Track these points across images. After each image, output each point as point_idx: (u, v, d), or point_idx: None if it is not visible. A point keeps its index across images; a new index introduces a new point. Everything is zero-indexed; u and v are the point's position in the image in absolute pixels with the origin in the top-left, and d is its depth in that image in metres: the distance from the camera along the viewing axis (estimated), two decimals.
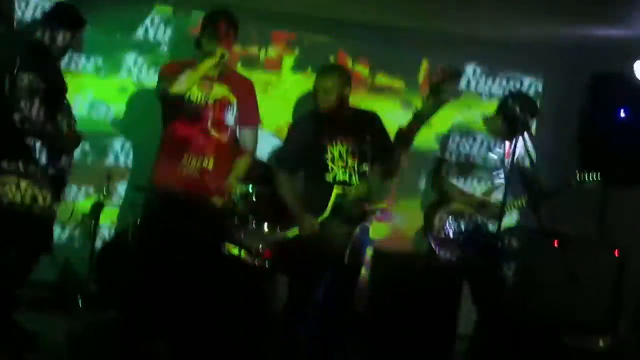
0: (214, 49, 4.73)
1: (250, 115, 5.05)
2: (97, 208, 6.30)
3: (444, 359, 5.84)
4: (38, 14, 6.49)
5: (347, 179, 4.99)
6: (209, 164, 4.90)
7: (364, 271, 5.38)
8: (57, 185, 5.17)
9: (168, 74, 4.84)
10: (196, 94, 4.88)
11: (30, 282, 5.48)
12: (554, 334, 5.73)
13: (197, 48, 4.90)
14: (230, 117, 4.97)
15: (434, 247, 5.70)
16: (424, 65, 7.22)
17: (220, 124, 4.94)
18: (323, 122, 5.03)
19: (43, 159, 5.08)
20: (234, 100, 4.96)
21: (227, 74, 5.00)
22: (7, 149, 5.10)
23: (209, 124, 4.91)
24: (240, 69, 6.60)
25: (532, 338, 5.73)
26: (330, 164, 5.00)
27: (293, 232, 5.11)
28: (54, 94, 5.08)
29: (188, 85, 4.73)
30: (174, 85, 4.67)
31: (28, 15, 6.68)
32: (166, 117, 4.95)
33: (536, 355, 5.71)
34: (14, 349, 5.02)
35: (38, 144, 5.09)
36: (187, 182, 4.83)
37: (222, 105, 4.94)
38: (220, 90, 4.94)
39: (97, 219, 6.30)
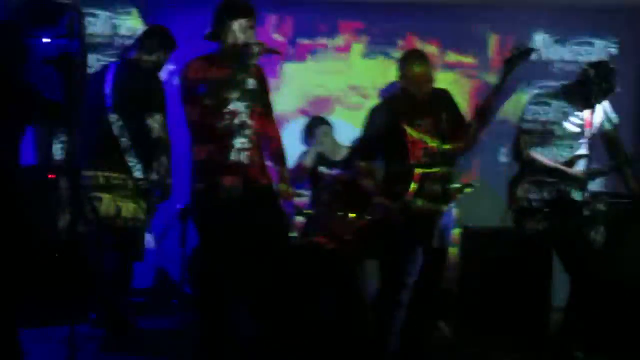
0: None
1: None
2: (186, 213, 6.40)
3: (539, 332, 5.89)
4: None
5: (428, 159, 4.98)
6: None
7: (452, 250, 5.42)
8: (149, 195, 5.43)
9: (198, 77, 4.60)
10: None
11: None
12: None
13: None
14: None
15: (520, 219, 5.63)
16: (493, 39, 7.21)
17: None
18: (402, 105, 5.03)
19: (139, 172, 5.39)
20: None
21: None
22: (105, 164, 5.43)
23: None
24: (309, 60, 6.67)
25: (625, 302, 5.72)
26: (411, 146, 4.99)
27: (375, 216, 5.18)
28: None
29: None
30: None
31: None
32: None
33: (631, 320, 5.68)
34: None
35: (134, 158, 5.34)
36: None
37: None
38: None
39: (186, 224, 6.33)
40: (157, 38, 5.65)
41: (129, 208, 5.44)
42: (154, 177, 5.43)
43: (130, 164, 5.44)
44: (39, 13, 6.64)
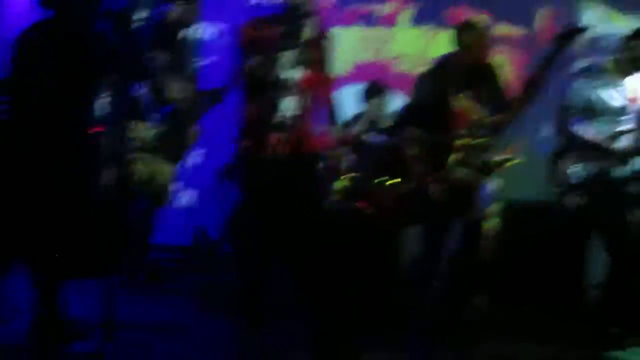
0: None
1: None
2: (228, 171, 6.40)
3: (575, 309, 5.84)
4: None
5: (473, 130, 4.99)
6: None
7: (491, 222, 5.39)
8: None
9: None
10: None
11: (168, 246, 5.81)
12: None
13: None
14: None
15: (561, 194, 5.61)
16: (544, 13, 7.13)
17: None
18: (450, 74, 5.05)
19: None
20: None
21: None
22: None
23: None
24: (355, 27, 6.66)
25: None
26: (456, 115, 5.00)
27: (415, 184, 5.18)
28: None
29: None
30: None
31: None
32: None
33: None
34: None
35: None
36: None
37: None
38: None
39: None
40: None
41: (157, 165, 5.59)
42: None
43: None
44: None
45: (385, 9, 7.23)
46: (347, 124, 6.38)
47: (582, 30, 4.93)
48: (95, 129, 5.87)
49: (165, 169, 5.69)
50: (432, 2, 7.12)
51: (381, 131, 6.37)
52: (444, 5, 7.01)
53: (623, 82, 5.40)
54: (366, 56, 7.17)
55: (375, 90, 6.45)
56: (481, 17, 5.19)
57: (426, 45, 6.99)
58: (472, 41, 5.00)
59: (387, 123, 6.45)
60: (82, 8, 4.67)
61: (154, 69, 5.40)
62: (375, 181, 5.93)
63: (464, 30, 5.06)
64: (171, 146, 5.65)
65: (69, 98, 4.53)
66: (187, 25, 5.60)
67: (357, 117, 6.45)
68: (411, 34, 7.27)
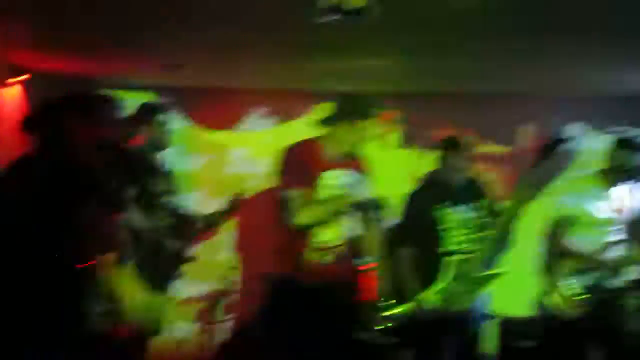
0: None
1: None
2: (217, 300, 6.59)
3: None
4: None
5: (463, 246, 5.04)
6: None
7: (486, 337, 5.42)
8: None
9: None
10: None
11: None
12: None
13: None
14: None
15: (558, 307, 5.51)
16: (529, 130, 7.25)
17: None
18: (436, 192, 5.12)
19: None
20: None
21: None
22: None
23: None
24: None
25: None
26: (446, 233, 5.06)
27: (408, 306, 5.12)
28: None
29: None
30: None
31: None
32: None
33: None
34: None
35: None
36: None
37: None
38: None
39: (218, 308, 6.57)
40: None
41: None
42: None
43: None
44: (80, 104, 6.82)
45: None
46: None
47: (565, 140, 5.07)
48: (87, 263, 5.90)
49: (155, 300, 5.62)
50: (417, 124, 7.15)
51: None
52: (430, 127, 7.05)
53: (608, 193, 5.43)
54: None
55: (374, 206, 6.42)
56: (463, 136, 5.21)
57: (414, 165, 7.03)
58: (451, 158, 5.09)
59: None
60: (68, 135, 4.74)
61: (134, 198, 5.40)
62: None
63: (447, 148, 5.14)
64: (155, 276, 5.59)
65: (53, 234, 4.57)
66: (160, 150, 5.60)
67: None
68: (399, 155, 7.33)
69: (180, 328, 6.65)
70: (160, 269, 5.55)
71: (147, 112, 5.56)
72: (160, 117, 5.55)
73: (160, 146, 5.56)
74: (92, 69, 7.06)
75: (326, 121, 4.49)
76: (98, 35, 5.88)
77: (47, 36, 6.00)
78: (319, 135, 4.51)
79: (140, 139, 5.51)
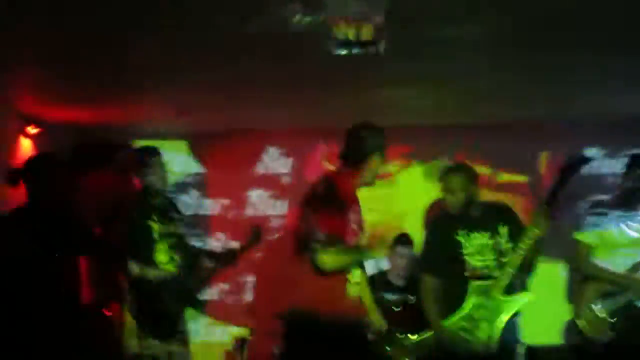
0: None
1: None
2: (242, 343, 6.49)
3: None
4: None
5: (486, 272, 4.98)
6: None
7: None
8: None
9: None
10: None
11: None
12: None
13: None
14: None
15: (586, 332, 5.50)
16: (544, 156, 7.24)
17: None
18: (456, 219, 5.07)
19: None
20: None
21: None
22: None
23: None
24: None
25: None
26: (468, 258, 5.01)
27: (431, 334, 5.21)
28: None
29: None
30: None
31: None
32: None
33: None
34: None
35: None
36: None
37: None
38: None
39: (243, 354, 6.48)
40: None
41: None
42: None
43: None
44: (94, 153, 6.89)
45: (388, 168, 7.30)
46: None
47: (586, 160, 5.01)
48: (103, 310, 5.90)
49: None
50: (432, 156, 7.21)
51: (396, 289, 6.35)
52: (445, 158, 7.07)
53: (631, 213, 5.41)
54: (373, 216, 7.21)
55: (404, 241, 6.44)
56: (463, 162, 5.23)
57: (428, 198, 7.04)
58: (447, 182, 5.06)
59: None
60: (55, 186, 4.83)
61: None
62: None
63: (446, 176, 5.12)
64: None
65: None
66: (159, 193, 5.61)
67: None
68: (414, 189, 7.33)
69: None
70: (165, 314, 5.54)
71: (141, 157, 5.61)
72: (155, 160, 5.58)
73: (158, 189, 5.60)
74: (106, 118, 7.06)
75: (352, 154, 4.51)
76: (109, 83, 5.91)
77: (59, 86, 6.03)
78: (339, 170, 4.55)
79: (138, 184, 5.58)
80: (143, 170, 5.50)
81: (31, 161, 5.02)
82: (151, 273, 5.36)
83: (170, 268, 5.47)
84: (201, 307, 5.84)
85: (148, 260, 5.41)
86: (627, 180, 5.54)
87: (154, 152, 5.59)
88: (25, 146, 6.78)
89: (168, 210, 5.61)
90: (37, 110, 6.69)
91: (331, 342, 4.39)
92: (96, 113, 6.91)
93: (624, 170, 5.64)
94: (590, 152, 5.39)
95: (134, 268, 5.33)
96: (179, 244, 5.56)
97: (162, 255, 5.43)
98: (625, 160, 5.72)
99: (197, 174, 7.49)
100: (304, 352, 4.50)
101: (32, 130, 6.78)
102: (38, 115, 6.77)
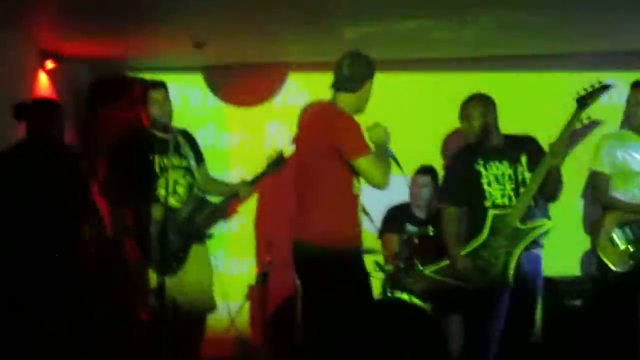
0: None
1: None
2: (265, 277, 6.62)
3: None
4: None
5: (505, 201, 5.03)
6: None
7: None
8: None
9: None
10: None
11: None
12: None
13: None
14: None
15: (606, 262, 5.53)
16: (563, 85, 7.16)
17: None
18: (476, 150, 5.12)
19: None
20: None
21: None
22: None
23: None
24: None
25: None
26: (487, 188, 5.06)
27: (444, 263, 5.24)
28: None
29: None
30: None
31: None
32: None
33: None
34: None
35: None
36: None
37: None
38: None
39: (266, 287, 6.61)
40: None
41: None
42: None
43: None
44: (111, 88, 6.94)
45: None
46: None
47: (605, 88, 5.01)
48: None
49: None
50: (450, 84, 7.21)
51: (418, 221, 6.42)
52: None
53: None
54: None
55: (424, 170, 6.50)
56: (480, 92, 5.23)
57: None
58: (470, 113, 5.10)
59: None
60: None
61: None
62: (415, 271, 5.90)
63: (463, 105, 5.16)
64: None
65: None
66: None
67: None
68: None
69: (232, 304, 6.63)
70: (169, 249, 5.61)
71: (145, 90, 5.66)
72: (159, 93, 5.62)
73: (163, 122, 5.62)
74: (122, 52, 7.17)
75: (345, 82, 4.62)
76: (126, 16, 5.98)
77: (75, 19, 6.10)
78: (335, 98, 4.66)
79: (144, 118, 5.65)
80: (147, 104, 5.57)
81: (33, 102, 5.16)
82: (155, 208, 5.43)
83: (173, 202, 5.53)
84: (208, 240, 5.89)
85: (150, 194, 5.46)
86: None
87: (158, 85, 5.64)
88: (43, 81, 6.87)
89: (175, 145, 5.62)
90: (55, 45, 6.76)
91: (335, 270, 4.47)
92: (112, 47, 6.98)
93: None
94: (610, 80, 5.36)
95: (137, 203, 5.43)
96: (184, 179, 5.63)
97: (165, 190, 5.43)
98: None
99: (214, 107, 7.51)
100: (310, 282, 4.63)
101: (49, 65, 6.87)
102: (55, 50, 6.84)
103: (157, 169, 5.52)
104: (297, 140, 4.77)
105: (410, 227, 6.28)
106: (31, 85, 6.72)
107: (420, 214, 6.45)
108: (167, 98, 5.61)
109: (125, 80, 7.11)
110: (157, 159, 5.52)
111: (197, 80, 7.64)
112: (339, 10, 5.95)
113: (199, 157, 5.80)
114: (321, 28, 6.44)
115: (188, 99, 7.60)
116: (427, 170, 6.49)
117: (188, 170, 5.66)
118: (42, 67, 6.84)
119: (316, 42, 6.85)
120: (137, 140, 5.61)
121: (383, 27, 6.41)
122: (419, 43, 6.97)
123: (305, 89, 7.52)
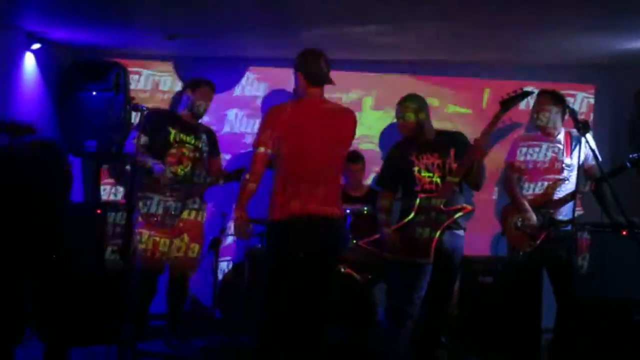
0: None
1: None
2: (216, 243, 6.86)
3: (530, 353, 6.15)
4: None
5: (432, 188, 5.43)
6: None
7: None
8: None
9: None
10: None
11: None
12: (628, 314, 5.88)
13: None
14: None
15: (512, 245, 6.11)
16: (487, 92, 7.81)
17: None
18: (411, 144, 5.52)
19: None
20: None
21: None
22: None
23: None
24: None
25: (607, 320, 5.90)
26: (418, 175, 5.45)
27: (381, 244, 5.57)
28: None
29: None
30: None
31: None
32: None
33: (613, 334, 5.87)
34: None
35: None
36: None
37: None
38: None
39: (216, 253, 6.85)
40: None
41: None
42: None
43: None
44: (88, 69, 7.25)
45: (351, 96, 7.90)
46: None
47: (525, 93, 5.41)
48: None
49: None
50: (390, 90, 7.54)
51: (354, 200, 6.86)
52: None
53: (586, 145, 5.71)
54: None
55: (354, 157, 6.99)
56: (414, 93, 5.63)
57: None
58: (404, 112, 5.53)
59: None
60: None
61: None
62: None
63: (398, 104, 5.61)
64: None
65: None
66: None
67: None
68: (373, 117, 7.90)
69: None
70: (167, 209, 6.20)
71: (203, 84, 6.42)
72: (212, 92, 6.42)
73: (200, 114, 6.40)
74: (102, 40, 7.42)
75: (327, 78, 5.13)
76: (107, 8, 6.30)
77: (61, 9, 6.37)
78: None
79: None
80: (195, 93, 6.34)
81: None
82: (166, 171, 6.05)
83: (178, 171, 6.17)
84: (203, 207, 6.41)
85: (160, 158, 6.10)
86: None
87: (211, 84, 6.41)
88: (29, 61, 7.12)
89: (196, 131, 6.33)
90: (41, 29, 6.96)
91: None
92: (93, 35, 7.23)
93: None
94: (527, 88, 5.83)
95: (147, 162, 6.02)
96: (192, 154, 6.27)
97: (173, 158, 6.14)
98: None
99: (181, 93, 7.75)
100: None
101: (35, 46, 7.12)
102: (42, 33, 7.06)
103: (172, 139, 6.17)
104: (312, 129, 5.06)
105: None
106: (18, 64, 6.96)
107: (355, 193, 7.00)
108: (211, 97, 6.39)
109: (103, 63, 7.26)
110: (175, 132, 6.20)
111: (167, 68, 7.94)
112: (298, 15, 6.25)
113: (214, 150, 6.47)
114: (281, 29, 6.72)
115: (159, 84, 7.90)
116: (358, 157, 7.07)
117: (198, 150, 6.31)
118: (29, 48, 7.06)
119: (275, 41, 7.15)
120: (166, 115, 6.34)
121: (335, 31, 6.71)
122: (366, 46, 7.28)
123: (262, 82, 7.93)
